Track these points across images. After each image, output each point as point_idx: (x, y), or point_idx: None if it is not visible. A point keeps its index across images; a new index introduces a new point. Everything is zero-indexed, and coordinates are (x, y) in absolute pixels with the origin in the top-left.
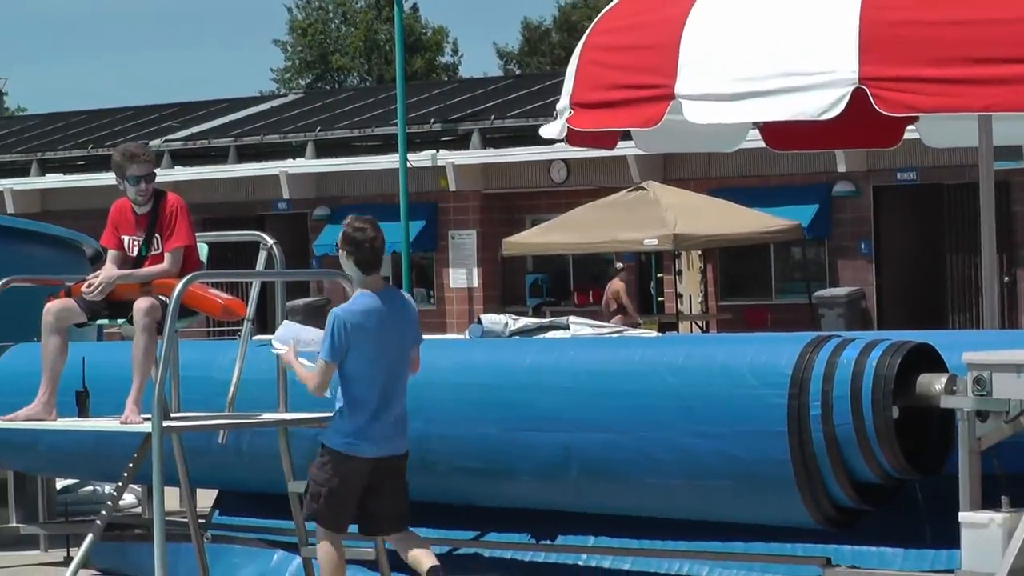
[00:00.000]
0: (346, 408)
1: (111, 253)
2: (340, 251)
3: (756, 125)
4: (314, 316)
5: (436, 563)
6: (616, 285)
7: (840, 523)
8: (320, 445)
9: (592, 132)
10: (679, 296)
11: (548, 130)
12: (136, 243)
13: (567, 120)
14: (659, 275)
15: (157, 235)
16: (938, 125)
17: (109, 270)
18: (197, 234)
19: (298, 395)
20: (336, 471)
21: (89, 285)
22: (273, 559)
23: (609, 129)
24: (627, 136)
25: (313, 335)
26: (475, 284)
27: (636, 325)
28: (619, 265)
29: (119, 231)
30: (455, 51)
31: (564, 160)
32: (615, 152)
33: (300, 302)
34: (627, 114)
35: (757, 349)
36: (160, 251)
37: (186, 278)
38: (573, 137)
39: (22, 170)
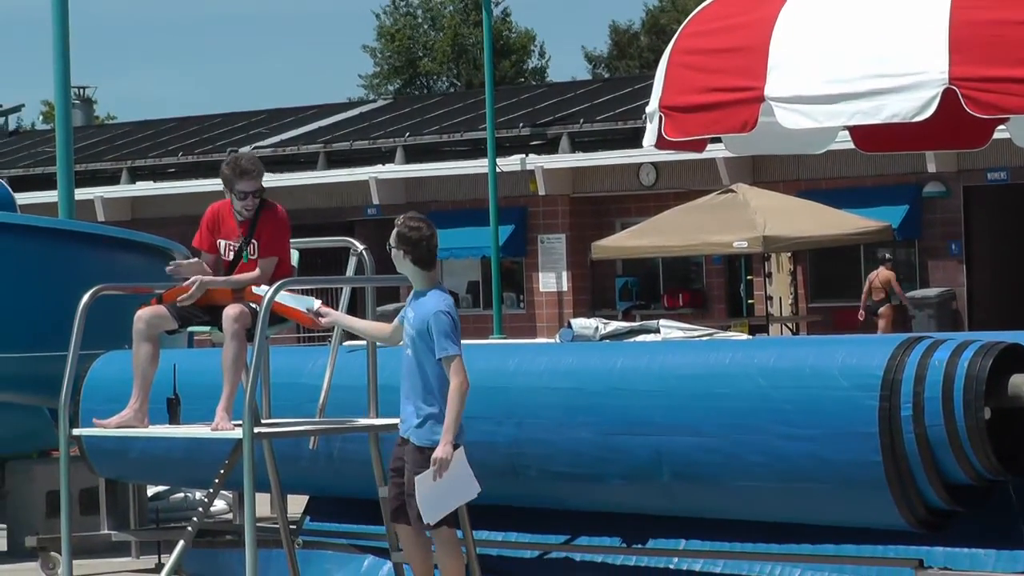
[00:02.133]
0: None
1: (205, 255)
2: (395, 251)
3: (846, 126)
4: None
5: None
6: (885, 274)
7: (932, 525)
8: (416, 450)
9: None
10: (769, 298)
11: (647, 138)
12: (232, 248)
13: (663, 129)
14: (749, 277)
15: (255, 241)
16: None
17: (200, 272)
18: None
19: (389, 401)
20: None
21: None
22: (364, 564)
23: (703, 137)
24: (716, 139)
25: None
26: (564, 288)
27: (906, 314)
28: (887, 255)
29: (214, 235)
30: (542, 55)
31: (653, 163)
32: (704, 155)
33: (390, 307)
34: (719, 118)
35: (848, 351)
36: (256, 257)
37: (276, 284)
38: (663, 141)
39: (112, 178)
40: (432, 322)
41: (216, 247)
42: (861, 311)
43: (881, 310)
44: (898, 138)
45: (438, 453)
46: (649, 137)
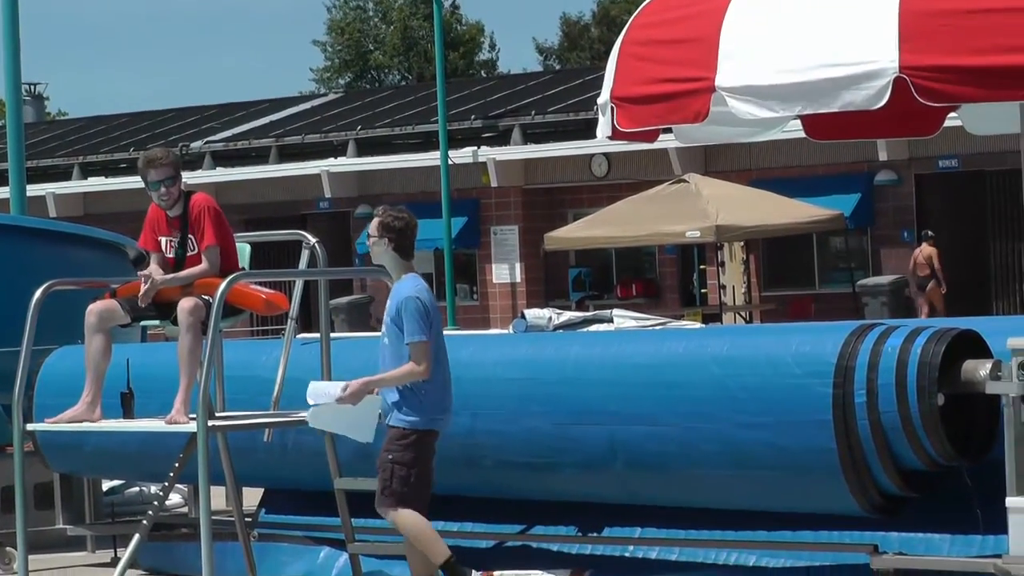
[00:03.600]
0: (427, 385)
1: (153, 255)
2: (377, 240)
3: (797, 115)
4: (357, 314)
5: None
6: (927, 250)
7: (887, 510)
8: (392, 430)
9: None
10: (722, 287)
11: (600, 130)
12: (172, 244)
13: (616, 120)
14: (702, 267)
15: (191, 236)
16: (979, 112)
17: (154, 272)
18: (239, 234)
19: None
20: (421, 450)
21: (143, 291)
22: (320, 556)
23: (655, 127)
24: (667, 129)
25: (336, 388)
26: (518, 279)
27: (944, 293)
28: (929, 232)
29: (156, 233)
30: (492, 47)
31: (605, 154)
32: (656, 145)
33: (343, 300)
34: (672, 108)
35: (801, 339)
36: (196, 252)
37: (230, 278)
38: (616, 132)
39: (64, 174)
40: (403, 307)
41: (160, 245)
42: (911, 288)
43: (929, 287)
44: (849, 126)
45: (352, 384)
46: (603, 129)
